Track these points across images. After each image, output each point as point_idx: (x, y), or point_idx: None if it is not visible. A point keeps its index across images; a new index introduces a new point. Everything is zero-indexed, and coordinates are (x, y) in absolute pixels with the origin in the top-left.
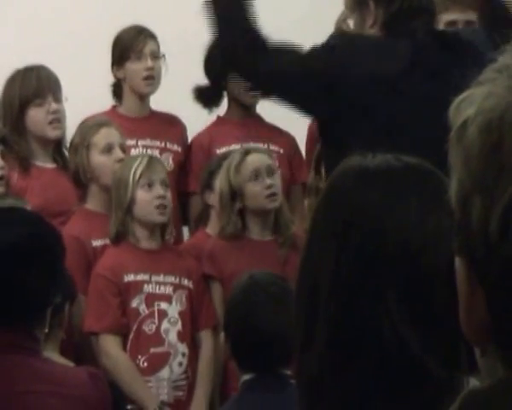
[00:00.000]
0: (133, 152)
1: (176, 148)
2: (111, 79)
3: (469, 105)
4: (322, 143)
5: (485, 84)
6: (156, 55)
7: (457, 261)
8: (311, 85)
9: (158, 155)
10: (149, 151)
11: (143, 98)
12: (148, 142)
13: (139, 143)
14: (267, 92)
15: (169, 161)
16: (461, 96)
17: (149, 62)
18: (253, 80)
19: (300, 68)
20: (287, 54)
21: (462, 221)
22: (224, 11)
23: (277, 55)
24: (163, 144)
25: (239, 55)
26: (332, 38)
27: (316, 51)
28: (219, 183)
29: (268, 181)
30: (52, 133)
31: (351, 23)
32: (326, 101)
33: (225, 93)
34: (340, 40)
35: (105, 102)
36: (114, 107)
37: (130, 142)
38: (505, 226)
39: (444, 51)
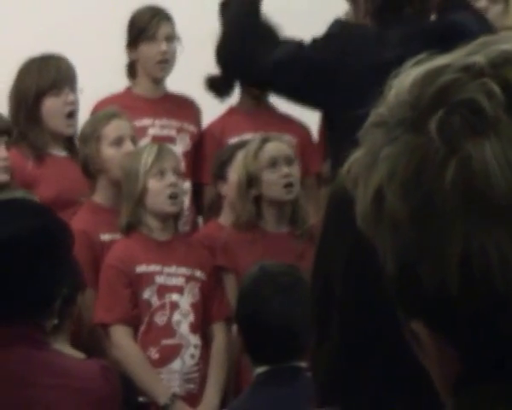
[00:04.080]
0: (150, 131)
1: (192, 128)
2: (122, 66)
3: (368, 169)
4: (326, 127)
5: (376, 143)
6: (171, 38)
7: (414, 326)
8: (310, 72)
9: (174, 135)
10: (166, 131)
11: (157, 80)
12: (164, 121)
13: (156, 123)
14: (268, 83)
15: (186, 141)
16: (348, 163)
17: (163, 46)
18: (255, 72)
19: (299, 56)
20: (286, 45)
21: (410, 288)
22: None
23: (277, 46)
24: (179, 124)
25: (240, 49)
26: (332, 25)
27: (316, 42)
28: (237, 169)
29: (285, 170)
30: (67, 130)
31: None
32: (324, 86)
33: (237, 82)
34: (335, 28)
35: (116, 90)
36: (129, 88)
37: (147, 121)
38: (465, 279)
39: (432, 41)
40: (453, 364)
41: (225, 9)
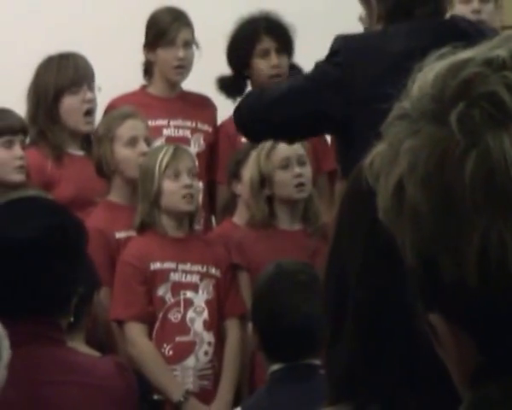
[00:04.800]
0: (165, 132)
1: (207, 128)
2: (139, 64)
3: (390, 163)
4: (335, 138)
5: (398, 136)
6: (189, 44)
7: (432, 318)
8: (323, 92)
9: (189, 136)
10: (181, 131)
11: (173, 84)
12: (179, 122)
13: (171, 124)
14: (279, 125)
15: (200, 142)
16: (371, 156)
17: (181, 53)
18: (265, 117)
19: (308, 81)
20: (289, 80)
21: (430, 280)
22: None
23: (280, 83)
24: (194, 124)
25: (247, 111)
26: (334, 42)
27: (320, 63)
28: (250, 169)
29: (297, 170)
30: (85, 127)
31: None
32: (339, 102)
33: (249, 82)
34: (341, 42)
35: (133, 88)
36: (144, 87)
37: (162, 122)
38: (484, 272)
39: (441, 35)
40: (471, 357)
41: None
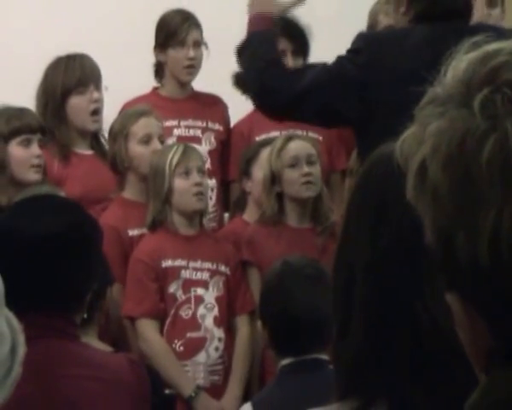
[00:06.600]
0: (175, 132)
1: (217, 127)
2: (149, 66)
3: (419, 144)
4: (355, 135)
5: (427, 119)
6: (199, 44)
7: (449, 297)
8: (341, 90)
9: (200, 135)
10: (191, 131)
11: (184, 84)
12: (190, 122)
13: (181, 124)
14: (296, 109)
15: (211, 140)
16: (402, 138)
17: (191, 52)
18: (282, 100)
19: (329, 76)
20: (312, 68)
21: (447, 259)
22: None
23: (303, 72)
24: (204, 124)
25: (265, 83)
26: (357, 39)
27: (342, 58)
28: (263, 167)
29: (306, 169)
30: (92, 126)
31: (382, 17)
32: (356, 102)
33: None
34: (364, 42)
35: (144, 88)
36: (155, 88)
37: (173, 122)
38: (495, 252)
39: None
40: (484, 340)
41: (243, 53)
